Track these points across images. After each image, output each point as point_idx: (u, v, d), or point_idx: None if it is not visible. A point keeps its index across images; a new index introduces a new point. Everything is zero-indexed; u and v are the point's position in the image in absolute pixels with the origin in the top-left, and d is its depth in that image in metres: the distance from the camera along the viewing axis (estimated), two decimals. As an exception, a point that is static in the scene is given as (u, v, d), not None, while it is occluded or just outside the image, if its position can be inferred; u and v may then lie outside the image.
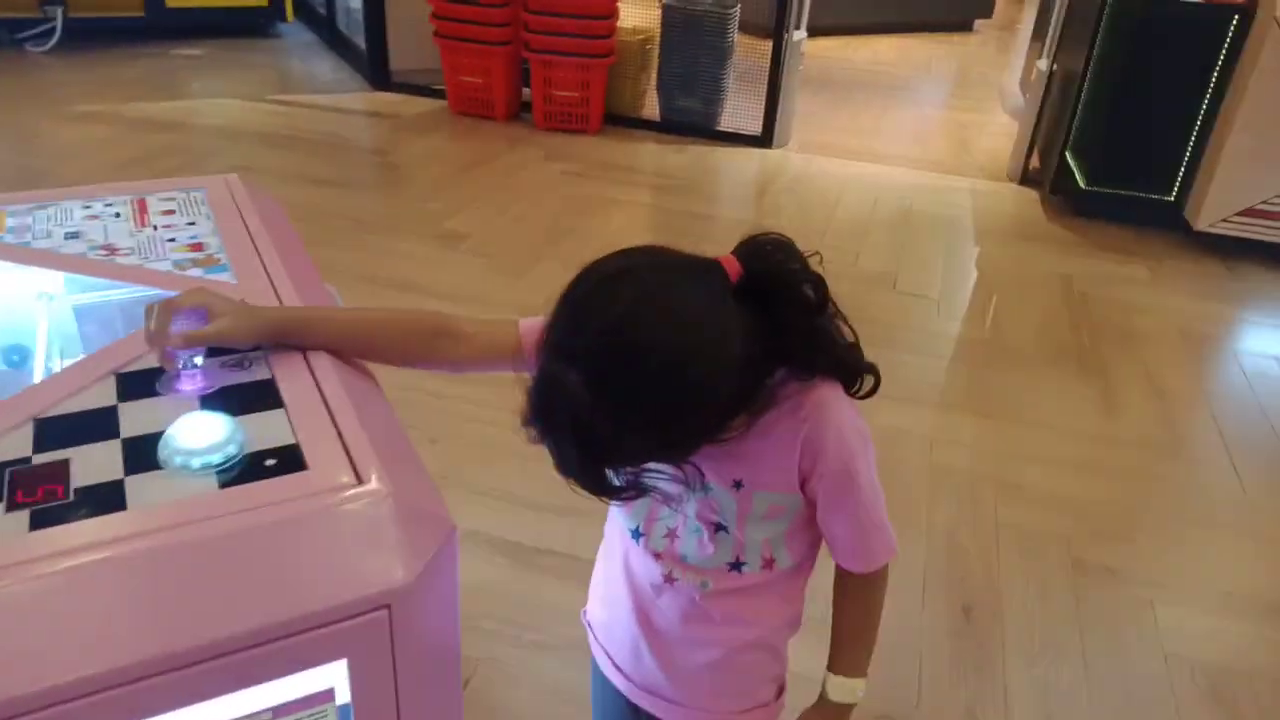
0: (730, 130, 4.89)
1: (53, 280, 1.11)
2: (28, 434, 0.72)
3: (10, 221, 1.11)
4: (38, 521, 0.64)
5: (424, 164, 4.46)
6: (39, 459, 0.70)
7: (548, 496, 2.18)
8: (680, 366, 0.72)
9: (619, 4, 4.65)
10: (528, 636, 1.85)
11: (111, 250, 1.06)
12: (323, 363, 0.84)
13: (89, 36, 5.67)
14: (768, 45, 4.65)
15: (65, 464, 0.69)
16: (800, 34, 4.71)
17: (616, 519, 1.01)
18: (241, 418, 0.75)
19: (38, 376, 1.05)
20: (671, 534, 0.93)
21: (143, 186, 1.25)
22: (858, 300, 3.64)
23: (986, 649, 1.88)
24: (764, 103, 4.75)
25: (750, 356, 0.76)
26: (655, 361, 0.72)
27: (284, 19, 6.32)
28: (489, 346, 0.96)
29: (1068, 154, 4.12)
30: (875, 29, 7.63)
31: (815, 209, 4.18)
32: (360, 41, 5.45)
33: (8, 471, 0.68)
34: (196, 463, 0.69)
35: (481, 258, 3.51)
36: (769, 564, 0.93)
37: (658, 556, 0.95)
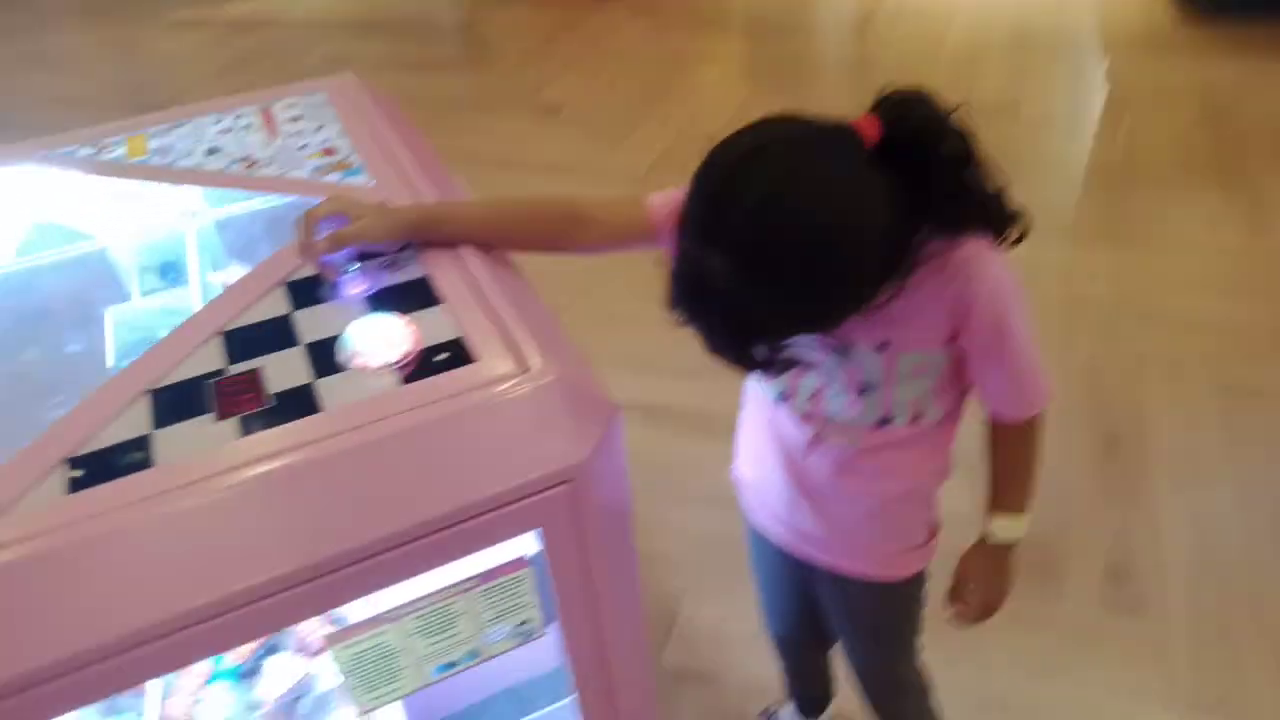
0: None
1: (194, 197, 1.16)
2: (218, 347, 0.78)
3: (153, 144, 1.16)
4: (248, 428, 0.70)
5: (511, 35, 4.37)
6: (234, 370, 0.76)
7: (671, 360, 2.23)
8: (826, 244, 0.71)
9: None
10: (671, 491, 1.93)
11: (251, 163, 1.10)
12: (472, 257, 0.87)
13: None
14: None
15: (257, 373, 0.75)
16: None
17: (758, 382, 1.03)
18: (406, 316, 0.79)
19: (194, 291, 1.12)
20: (817, 395, 0.95)
21: (265, 95, 1.28)
22: (979, 133, 3.43)
23: (1133, 478, 1.86)
24: (859, -75, 4.41)
25: (895, 222, 0.74)
26: (800, 241, 0.71)
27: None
28: (621, 227, 0.97)
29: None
30: None
31: (924, 37, 3.92)
32: (431, -89, 5.28)
33: (210, 384, 0.74)
34: (376, 363, 0.73)
35: (579, 126, 3.47)
36: (917, 418, 0.93)
37: (805, 418, 0.97)
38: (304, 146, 1.13)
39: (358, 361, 0.74)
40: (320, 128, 1.18)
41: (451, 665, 0.77)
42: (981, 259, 0.83)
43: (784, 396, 0.98)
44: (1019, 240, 0.86)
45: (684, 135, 3.33)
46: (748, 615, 1.43)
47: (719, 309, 0.76)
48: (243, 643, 0.69)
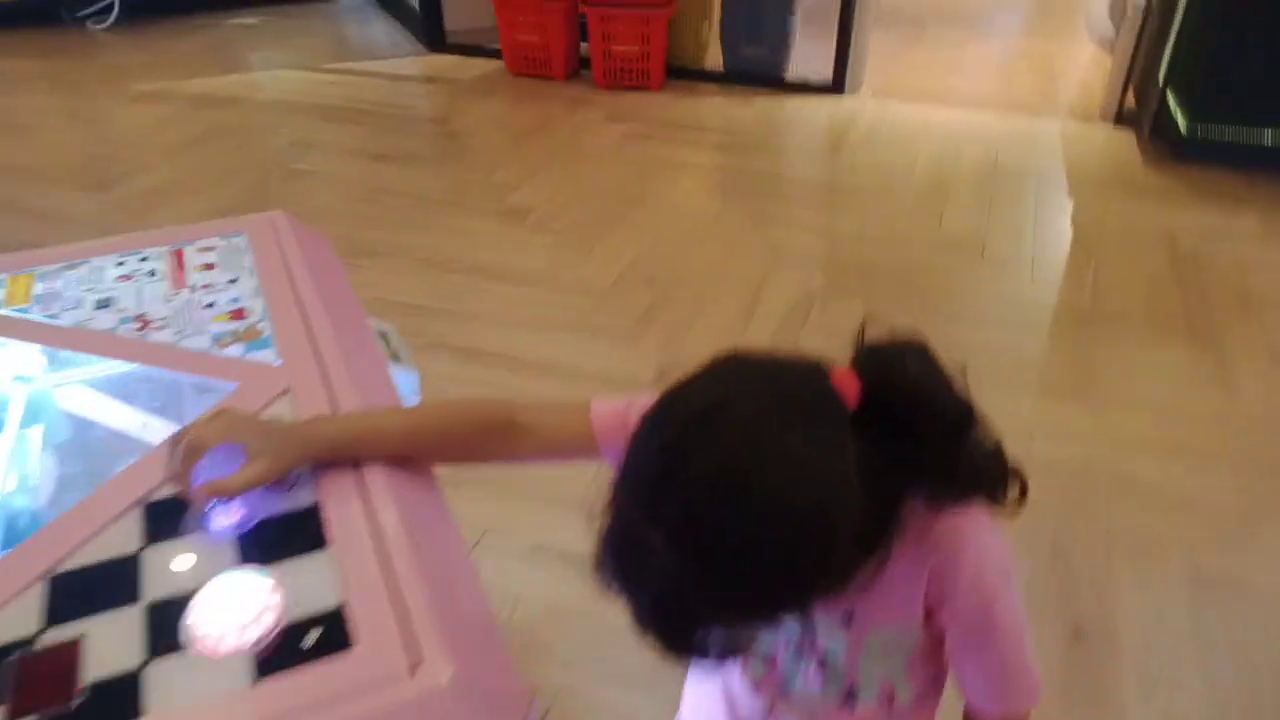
0: (799, 79, 4.63)
1: (34, 357, 1.00)
2: (38, 599, 0.63)
3: (39, 287, 1.03)
4: (48, 730, 0.55)
5: (483, 131, 4.33)
6: (48, 637, 0.61)
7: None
8: (791, 534, 0.59)
9: (679, -50, 4.40)
10: (604, 667, 1.76)
11: (144, 322, 0.97)
12: (377, 482, 0.74)
13: (146, 10, 5.64)
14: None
15: (76, 646, 0.60)
16: (874, -29, 4.41)
17: None
18: (281, 565, 0.65)
19: None
20: (770, 661, 0.81)
21: (180, 234, 1.15)
22: (943, 269, 3.46)
23: (1099, 674, 1.74)
24: (834, 46, 4.48)
25: (875, 499, 0.62)
26: (760, 527, 0.58)
27: (336, -20, 6.20)
28: (558, 439, 0.84)
29: (1168, 90, 3.78)
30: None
31: (893, 164, 3.93)
32: (414, 1, 5.31)
33: (13, 660, 0.59)
34: (226, 646, 0.59)
35: (547, 234, 3.39)
36: (889, 698, 0.80)
37: (757, 686, 0.83)
38: (210, 305, 1.00)
39: (201, 643, 0.60)
40: (233, 280, 1.05)
41: None
42: (969, 533, 0.71)
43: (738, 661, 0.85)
44: (1021, 497, 0.74)
45: (652, 248, 3.26)
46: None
47: (653, 587, 0.63)
48: None
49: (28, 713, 0.56)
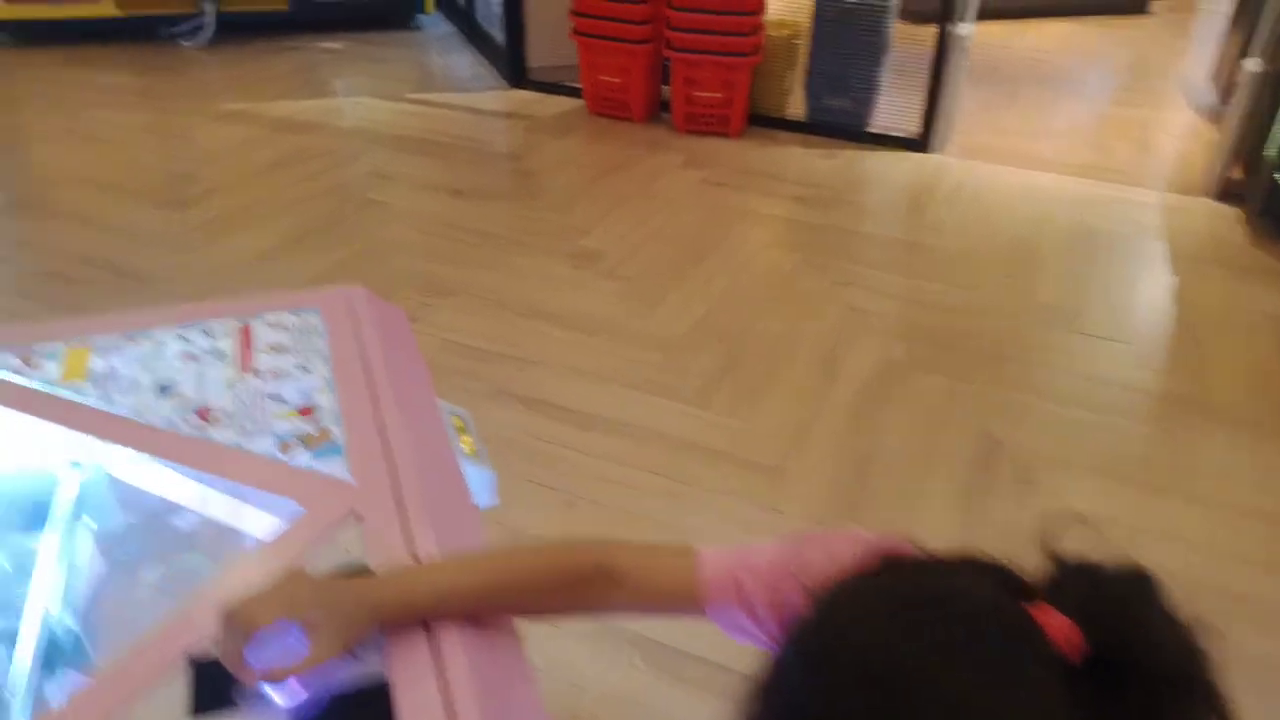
0: (883, 131, 4.51)
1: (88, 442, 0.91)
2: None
3: (96, 364, 0.95)
4: None
5: (559, 170, 4.29)
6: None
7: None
8: None
9: (768, -3, 4.32)
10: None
11: (204, 416, 0.89)
12: (456, 655, 0.63)
13: (238, 30, 5.76)
14: (927, 33, 4.23)
15: None
16: (968, 26, 4.27)
17: None
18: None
19: (41, 579, 0.84)
20: None
21: (251, 306, 1.07)
22: (1033, 342, 3.28)
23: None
24: (923, 101, 4.34)
25: None
26: None
27: (424, 10, 6.27)
28: (657, 593, 0.74)
29: (1282, 168, 3.57)
30: (1038, 12, 6.98)
31: (979, 227, 3.78)
32: (498, 35, 5.32)
33: None
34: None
35: (618, 280, 3.31)
36: None
37: None
38: (278, 397, 0.92)
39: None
40: (304, 367, 0.97)
41: None
42: None
43: None
44: None
45: (724, 303, 3.15)
46: None
47: None
48: None
49: None
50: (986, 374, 2.76)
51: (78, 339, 0.98)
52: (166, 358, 0.97)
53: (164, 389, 0.92)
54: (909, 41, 4.45)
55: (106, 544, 0.88)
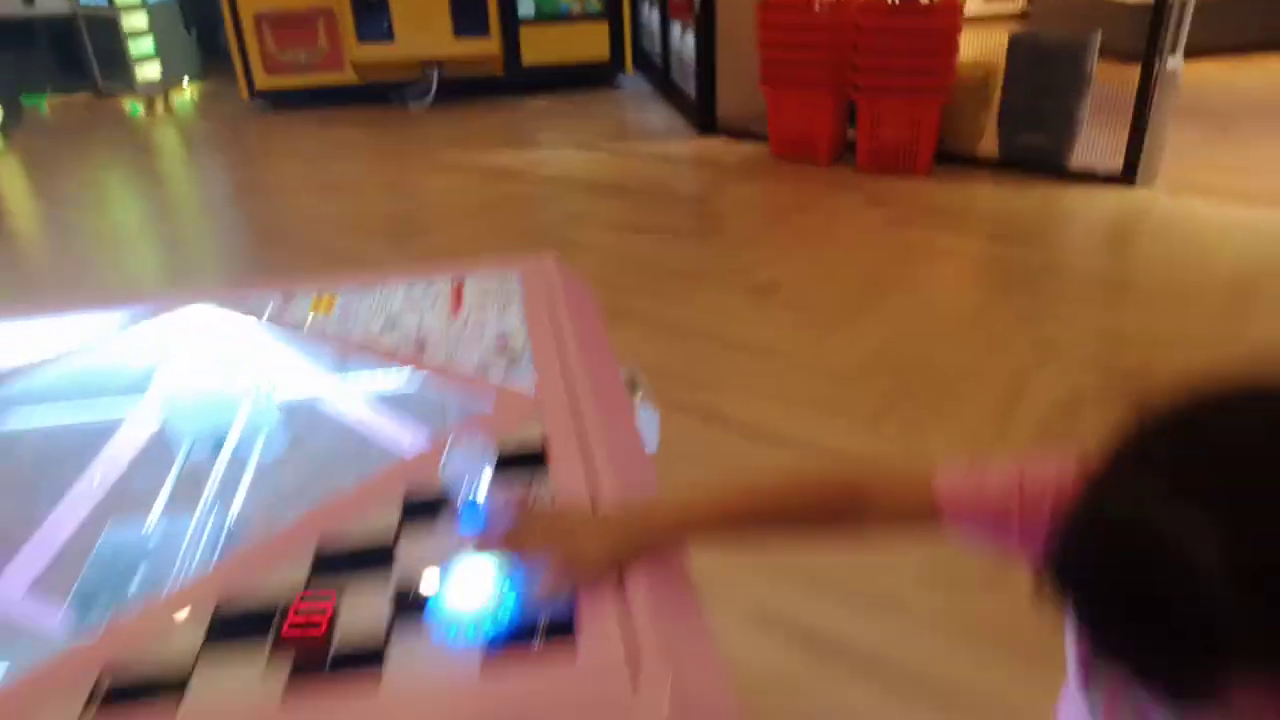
0: (1083, 169, 4.35)
1: (271, 373, 1.14)
2: (307, 561, 0.70)
3: (339, 304, 1.16)
4: (297, 667, 0.60)
5: (742, 211, 4.43)
6: (314, 584, 0.66)
7: (858, 581, 1.99)
8: None
9: (959, 37, 4.32)
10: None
11: (421, 343, 1.06)
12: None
13: (457, 93, 6.37)
14: (1132, 71, 4.07)
15: (334, 596, 0.65)
16: (1176, 60, 4.08)
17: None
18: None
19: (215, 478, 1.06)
20: None
21: (463, 268, 1.26)
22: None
23: None
24: (1127, 136, 4.17)
25: None
26: None
27: (624, 70, 6.68)
28: (901, 512, 0.77)
29: None
30: (1249, 48, 6.50)
31: (1189, 262, 3.56)
32: (690, 89, 5.59)
33: (280, 607, 0.65)
34: (462, 624, 0.61)
35: (792, 310, 3.38)
36: None
37: None
38: (481, 332, 1.08)
39: (444, 617, 0.62)
40: (503, 310, 1.13)
41: None
42: None
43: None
44: None
45: (902, 336, 3.15)
46: None
47: (1174, 598, 0.48)
48: None
49: (291, 647, 0.61)
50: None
51: (328, 289, 1.19)
52: (394, 302, 1.16)
53: (389, 325, 1.10)
54: (1112, 80, 4.30)
55: (283, 458, 1.09)
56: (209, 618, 0.64)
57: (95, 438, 1.13)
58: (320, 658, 0.61)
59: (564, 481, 0.77)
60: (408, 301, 1.16)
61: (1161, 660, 0.51)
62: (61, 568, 1.02)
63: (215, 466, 1.05)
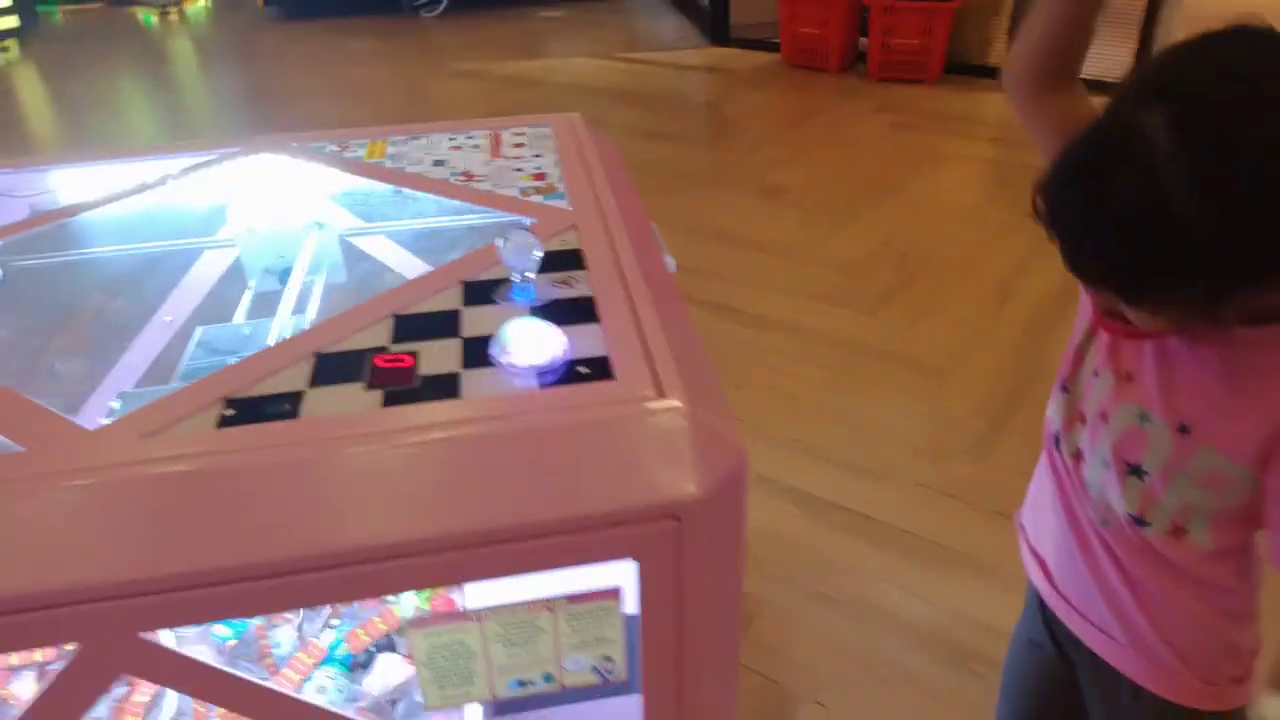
0: (1092, 78, 4.36)
1: (329, 211, 1.27)
2: (386, 327, 0.83)
3: (391, 149, 1.28)
4: (390, 400, 0.73)
5: (753, 117, 4.49)
6: (394, 348, 0.80)
7: (847, 454, 2.14)
8: None
9: (973, -57, 4.32)
10: (815, 587, 1.83)
11: (469, 177, 1.18)
12: (639, 287, 0.88)
13: (470, 2, 6.34)
14: (1148, -19, 4.09)
15: (414, 355, 0.78)
16: (1190, -34, 4.09)
17: (1050, 411, 0.89)
18: (563, 328, 0.80)
19: (290, 296, 1.17)
20: (1078, 455, 0.83)
21: (499, 123, 1.38)
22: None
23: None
24: (1135, 45, 4.20)
25: None
26: None
27: (635, -21, 6.64)
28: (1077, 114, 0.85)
29: None
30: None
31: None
32: (703, -2, 5.58)
33: (369, 356, 0.78)
34: (521, 363, 0.75)
35: (800, 210, 3.48)
36: (1178, 532, 0.77)
37: (1067, 472, 0.85)
38: (519, 169, 1.20)
39: (506, 359, 0.76)
40: (538, 155, 1.25)
41: (525, 684, 0.76)
42: None
43: (1057, 439, 0.86)
44: None
45: (906, 232, 3.25)
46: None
47: (1129, 201, 0.57)
48: (338, 601, 0.72)
49: (380, 388, 0.75)
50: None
51: (380, 137, 1.31)
52: (440, 148, 1.28)
53: (439, 163, 1.22)
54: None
55: (337, 290, 1.22)
56: (313, 361, 0.78)
57: (175, 270, 1.27)
58: (409, 386, 0.74)
59: (598, 280, 0.90)
60: (450, 147, 1.28)
61: (1122, 244, 0.58)
62: (158, 374, 1.16)
63: (284, 293, 1.18)
